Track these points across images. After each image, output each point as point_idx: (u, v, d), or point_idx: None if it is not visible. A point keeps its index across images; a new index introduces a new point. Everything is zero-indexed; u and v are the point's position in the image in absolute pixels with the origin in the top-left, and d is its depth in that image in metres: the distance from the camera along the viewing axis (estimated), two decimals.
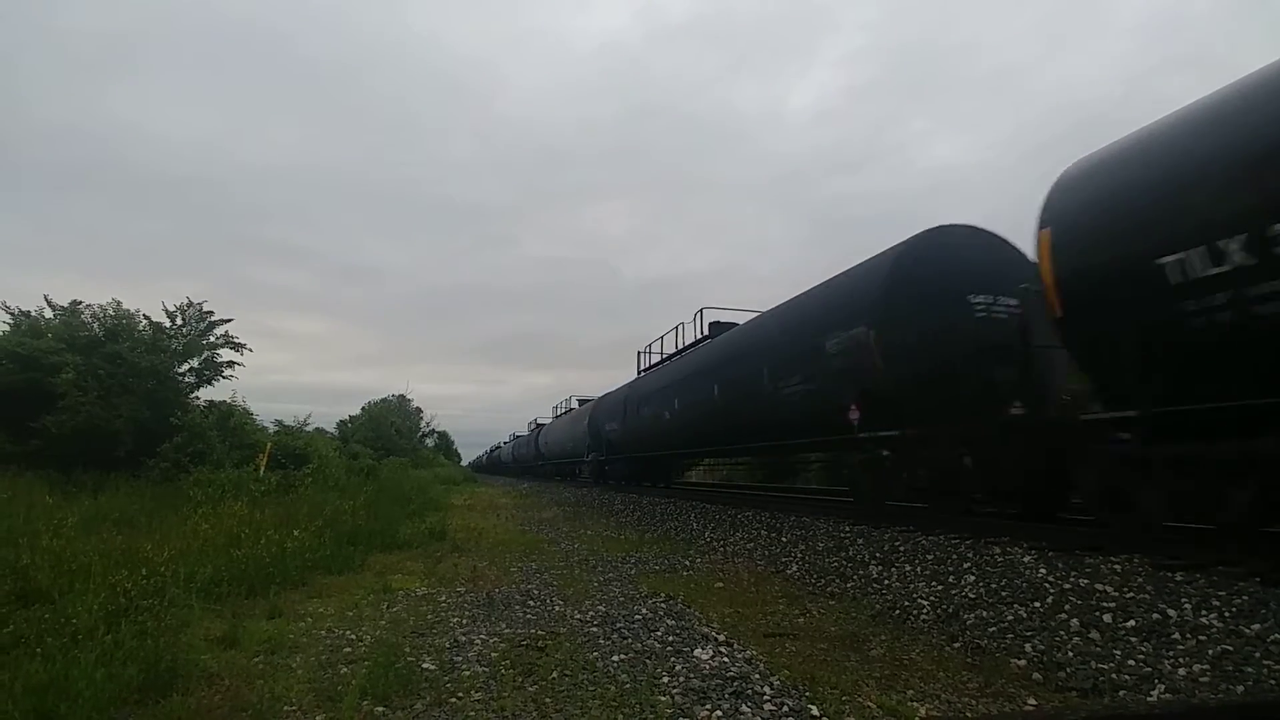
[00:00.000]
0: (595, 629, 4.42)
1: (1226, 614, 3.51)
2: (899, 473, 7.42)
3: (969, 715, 3.11)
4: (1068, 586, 4.26)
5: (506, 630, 4.40)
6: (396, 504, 11.90)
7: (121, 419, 13.38)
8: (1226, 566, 4.09)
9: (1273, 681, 3.02)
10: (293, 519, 7.65)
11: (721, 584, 6.07)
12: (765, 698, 3.16)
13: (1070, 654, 3.64)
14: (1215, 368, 4.49)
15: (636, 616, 4.72)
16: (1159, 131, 5.01)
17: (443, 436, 66.36)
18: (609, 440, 19.54)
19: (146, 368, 14.27)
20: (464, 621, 4.63)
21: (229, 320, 16.83)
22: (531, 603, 5.25)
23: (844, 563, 6.19)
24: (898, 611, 4.89)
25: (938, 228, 7.58)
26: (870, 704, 3.13)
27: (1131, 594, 3.94)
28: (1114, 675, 3.37)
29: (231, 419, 15.84)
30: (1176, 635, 3.49)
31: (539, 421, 39.31)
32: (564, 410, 30.94)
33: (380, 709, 3.02)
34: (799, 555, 6.87)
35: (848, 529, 7.16)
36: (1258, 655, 3.17)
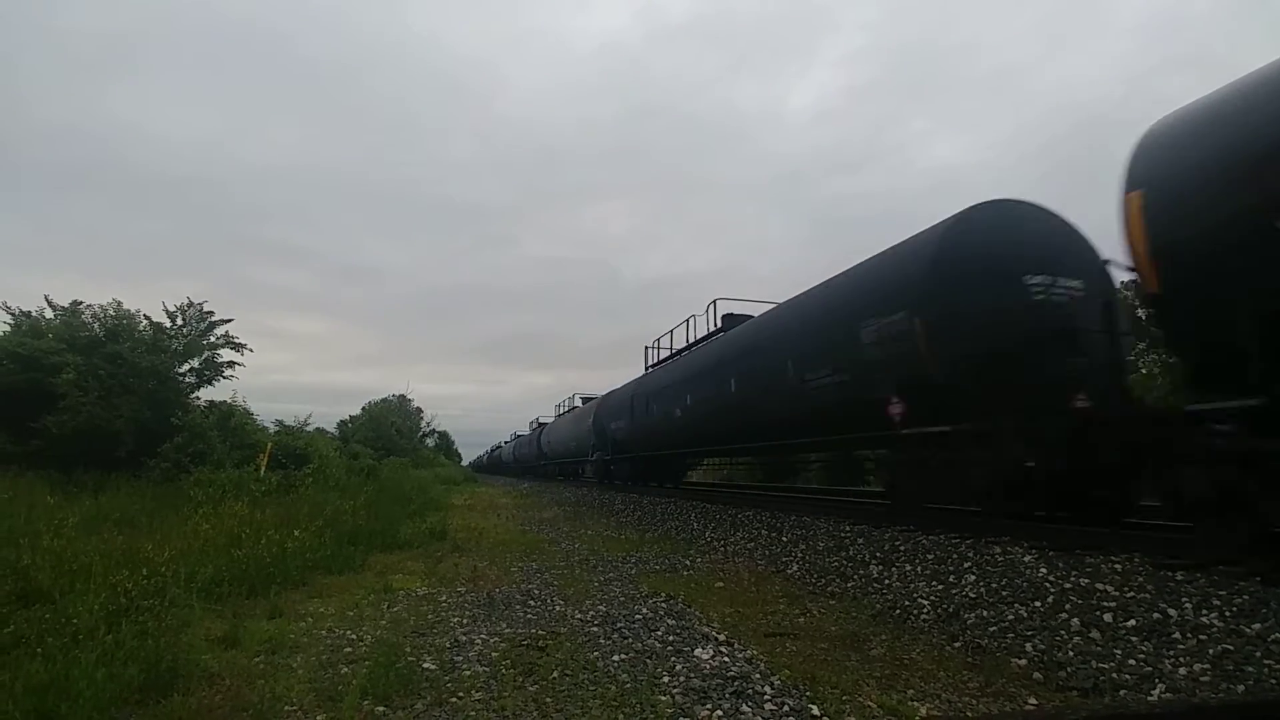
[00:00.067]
0: (596, 629, 4.43)
1: (1227, 613, 3.51)
2: (947, 473, 6.60)
3: (970, 715, 3.11)
4: (1068, 586, 4.26)
5: (507, 630, 4.40)
6: (397, 504, 11.90)
7: (122, 419, 13.39)
8: (1227, 566, 4.08)
9: (1273, 681, 3.02)
10: (293, 519, 7.65)
11: (722, 584, 6.07)
12: (766, 697, 3.17)
13: (1071, 653, 3.64)
14: None
15: (637, 616, 4.73)
16: None
17: (443, 436, 66.44)
18: (614, 439, 19.16)
19: (147, 368, 14.28)
20: (464, 621, 4.63)
21: (229, 320, 16.87)
22: (532, 602, 5.25)
23: (844, 562, 6.19)
24: (898, 611, 4.89)
25: (987, 202, 6.80)
26: (871, 703, 3.13)
27: (1132, 593, 3.94)
28: (1115, 675, 3.37)
29: (232, 419, 15.85)
30: (1177, 635, 3.49)
31: (541, 420, 39.11)
32: (567, 409, 30.64)
33: (381, 709, 3.02)
34: (799, 555, 6.87)
35: (848, 529, 7.16)
36: (1258, 655, 3.17)
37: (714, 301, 14.11)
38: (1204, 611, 3.58)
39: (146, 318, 15.98)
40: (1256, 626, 3.34)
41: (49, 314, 15.91)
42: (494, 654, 3.85)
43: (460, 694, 3.23)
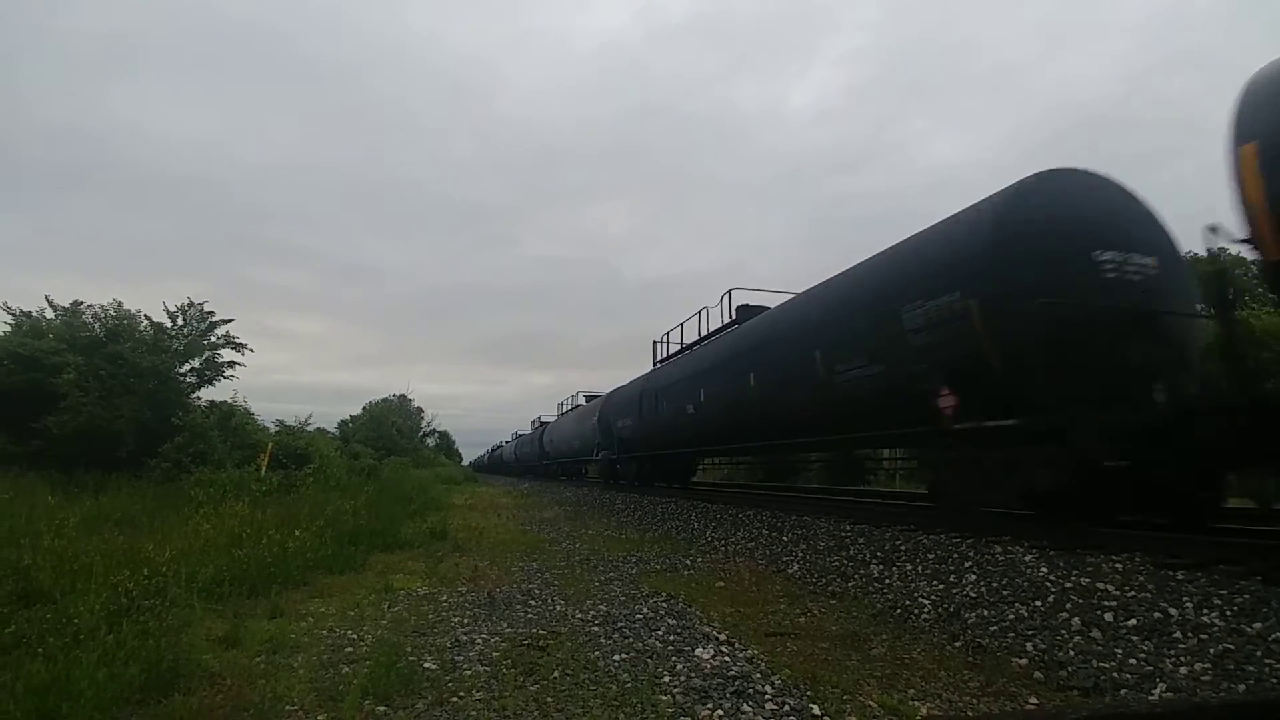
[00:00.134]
0: (596, 628, 4.43)
1: (1228, 612, 3.50)
2: (1006, 473, 5.94)
3: (970, 714, 3.10)
4: (1069, 585, 4.25)
5: (508, 629, 4.40)
6: (398, 504, 11.90)
7: (123, 419, 13.42)
8: (1228, 565, 4.08)
9: (1274, 680, 3.02)
10: (294, 519, 7.65)
11: (723, 583, 6.07)
12: (766, 697, 3.17)
13: (1072, 653, 3.64)
14: None
15: (638, 616, 4.73)
16: None
17: (443, 436, 66.50)
18: (621, 437, 18.52)
19: (148, 368, 14.30)
20: (465, 621, 4.63)
21: (230, 320, 16.91)
22: (533, 602, 5.25)
23: (845, 562, 6.19)
24: (899, 610, 4.89)
25: (1050, 171, 6.16)
26: (871, 703, 3.13)
27: (1133, 593, 3.94)
28: (1115, 674, 3.36)
29: (233, 419, 15.88)
30: (1178, 634, 3.49)
31: (543, 419, 38.78)
32: (570, 407, 30.18)
33: (382, 708, 3.02)
34: (800, 554, 6.86)
35: (849, 528, 7.15)
36: (1259, 654, 3.17)
37: (729, 292, 13.24)
38: (1205, 611, 3.57)
39: (147, 318, 16.04)
40: (1258, 625, 3.34)
41: (50, 314, 15.96)
42: (495, 654, 3.85)
43: (461, 694, 3.23)
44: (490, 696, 3.19)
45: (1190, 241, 6.17)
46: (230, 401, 16.70)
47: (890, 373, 7.07)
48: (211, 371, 16.68)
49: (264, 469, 13.09)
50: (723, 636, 4.20)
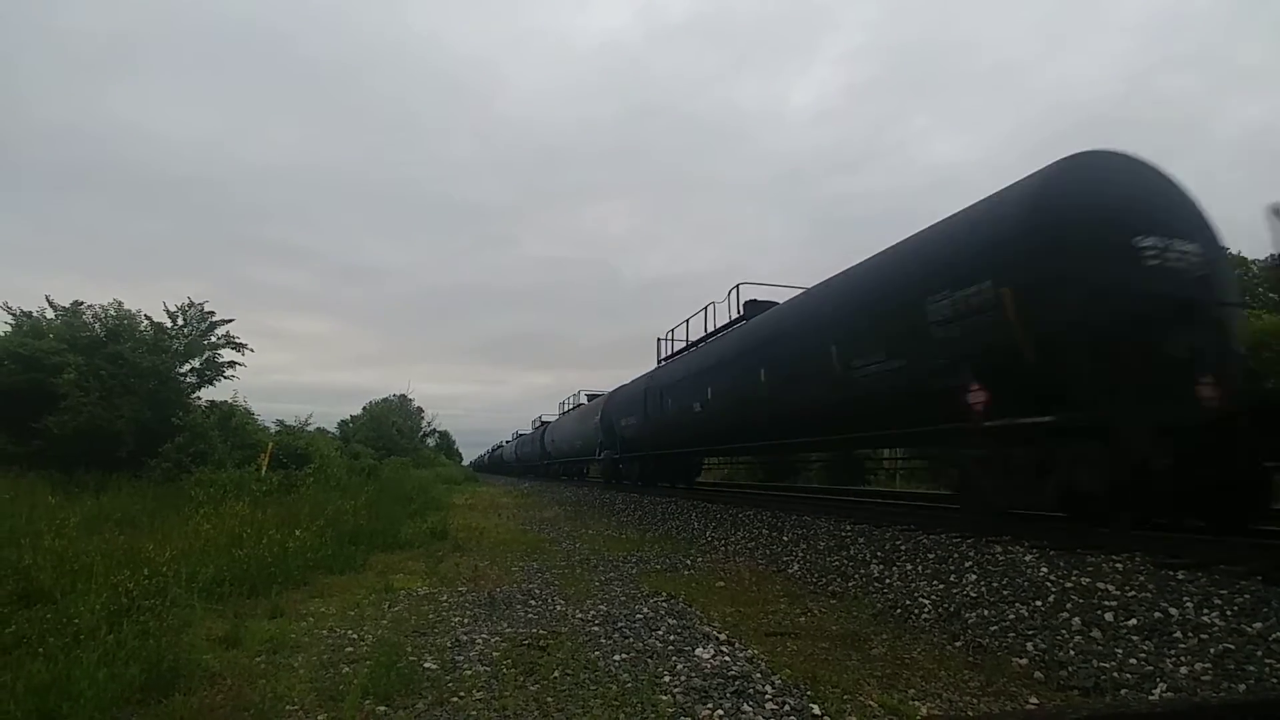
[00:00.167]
0: (597, 628, 4.43)
1: (1228, 612, 3.50)
2: (1043, 474, 5.58)
3: (970, 714, 3.10)
4: (1069, 585, 4.25)
5: (508, 629, 4.40)
6: (398, 504, 11.91)
7: (123, 419, 13.41)
8: (1228, 565, 4.08)
9: (1275, 680, 3.02)
10: (294, 519, 7.65)
11: (723, 583, 6.07)
12: (767, 697, 3.17)
13: (1072, 652, 3.64)
14: None
15: (638, 616, 4.73)
16: None
17: (444, 436, 66.49)
18: (624, 437, 18.13)
19: (148, 368, 14.30)
20: (465, 621, 4.64)
21: (230, 320, 16.88)
22: (533, 602, 5.25)
23: (845, 562, 6.19)
24: (899, 610, 4.89)
25: (1084, 153, 5.81)
26: (872, 703, 3.13)
27: (1133, 592, 3.94)
28: (1116, 674, 3.36)
29: (233, 419, 15.87)
30: (1178, 634, 3.49)
31: (544, 419, 38.60)
32: (572, 406, 30.02)
33: (382, 708, 3.03)
34: (800, 554, 6.86)
35: (849, 528, 7.15)
36: (1259, 654, 3.17)
37: (736, 286, 12.76)
38: (1205, 610, 3.57)
39: (147, 318, 16.03)
40: (1258, 625, 3.34)
41: (50, 314, 15.94)
42: (495, 653, 3.85)
43: (462, 693, 3.23)
44: (490, 696, 3.19)
45: None
46: (230, 401, 16.70)
47: (912, 367, 6.73)
48: (212, 371, 16.67)
49: (264, 469, 13.09)
50: (723, 636, 4.21)
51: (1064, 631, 3.84)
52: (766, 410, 9.92)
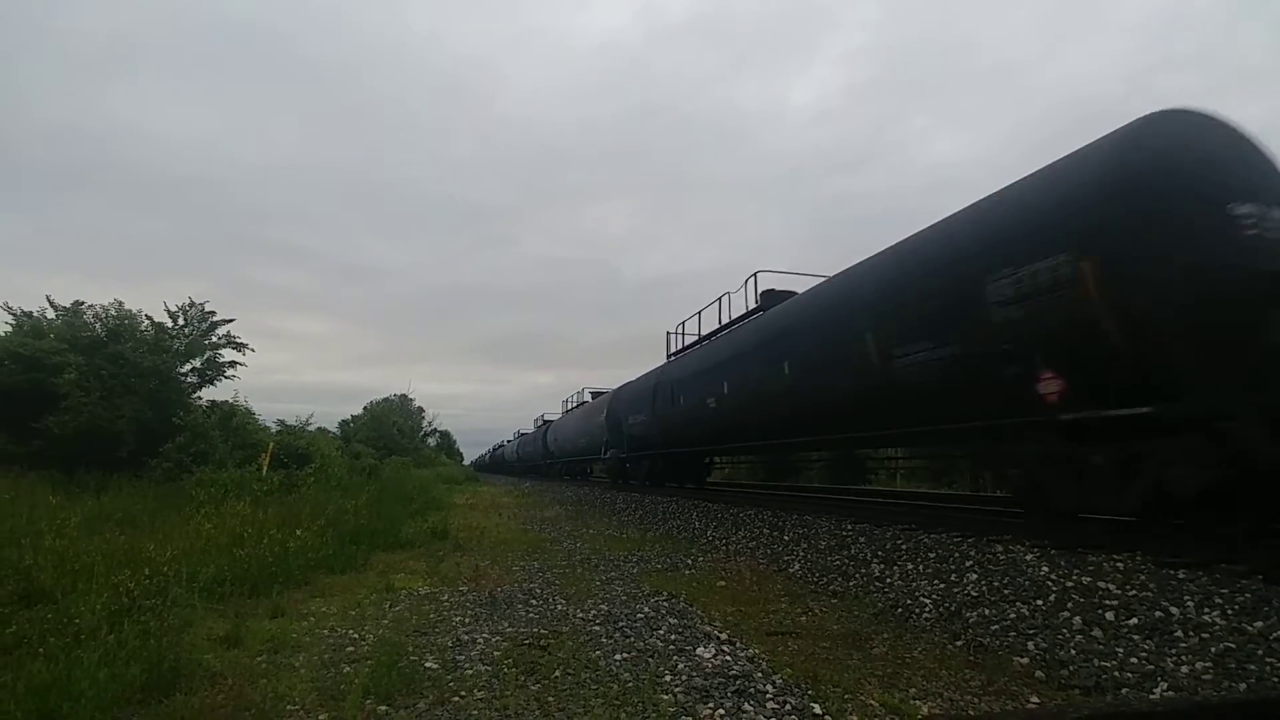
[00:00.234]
0: (598, 628, 4.43)
1: (1229, 611, 3.50)
2: (1129, 473, 4.96)
3: (971, 713, 3.11)
4: (1070, 584, 4.25)
5: (509, 629, 4.40)
6: (399, 503, 11.91)
7: (124, 419, 13.42)
8: (1229, 564, 4.07)
9: (1275, 679, 3.02)
10: (295, 518, 7.66)
11: (724, 582, 6.07)
12: (768, 696, 3.17)
13: (1073, 652, 3.64)
14: None
15: (639, 615, 4.73)
16: None
17: (444, 436, 66.58)
18: (631, 435, 17.49)
19: (149, 368, 14.30)
20: (466, 620, 4.64)
21: (231, 320, 16.90)
22: (534, 601, 5.25)
23: (846, 561, 6.19)
24: (900, 610, 4.89)
25: (1167, 111, 5.16)
26: (873, 702, 3.13)
27: (1134, 591, 3.94)
28: (1117, 673, 3.36)
29: (234, 419, 15.88)
30: (1179, 633, 3.49)
31: (547, 417, 38.39)
32: (575, 404, 29.64)
33: (383, 708, 3.03)
34: (801, 554, 6.86)
35: (850, 527, 7.15)
36: (1260, 653, 3.17)
37: (754, 275, 12.00)
38: (1206, 609, 3.57)
39: (148, 318, 16.03)
40: (1259, 624, 3.34)
41: (50, 314, 15.95)
42: (496, 653, 3.85)
43: (463, 693, 3.23)
44: (492, 696, 3.19)
45: None
46: (231, 401, 16.70)
47: (966, 355, 6.05)
48: (212, 371, 16.68)
49: (265, 469, 13.10)
50: (724, 636, 4.21)
51: (1065, 630, 3.84)
52: (792, 404, 9.23)
